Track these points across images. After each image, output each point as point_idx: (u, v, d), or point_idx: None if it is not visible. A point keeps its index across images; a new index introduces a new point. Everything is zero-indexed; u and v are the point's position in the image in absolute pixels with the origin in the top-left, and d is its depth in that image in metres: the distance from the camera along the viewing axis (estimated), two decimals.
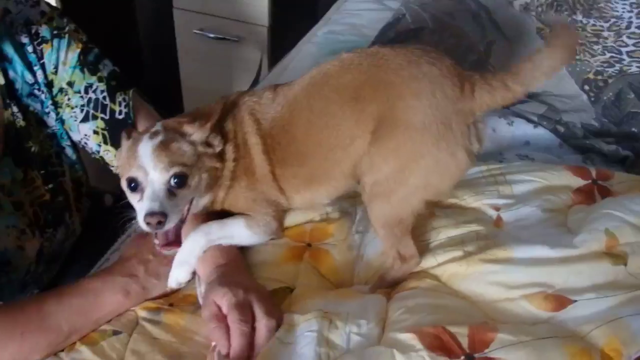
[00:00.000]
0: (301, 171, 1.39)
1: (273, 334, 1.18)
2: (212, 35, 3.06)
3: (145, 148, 1.26)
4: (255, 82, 2.69)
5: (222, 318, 1.22)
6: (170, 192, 1.25)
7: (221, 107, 1.36)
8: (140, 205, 1.25)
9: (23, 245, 1.48)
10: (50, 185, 1.57)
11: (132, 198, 1.29)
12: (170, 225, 1.26)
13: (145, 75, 3.51)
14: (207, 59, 3.17)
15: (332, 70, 1.34)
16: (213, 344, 1.20)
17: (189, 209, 1.32)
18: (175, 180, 1.25)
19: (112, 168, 1.58)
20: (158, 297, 1.38)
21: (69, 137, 1.60)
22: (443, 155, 1.23)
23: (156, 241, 1.32)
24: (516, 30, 2.13)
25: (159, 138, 1.28)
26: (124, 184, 1.30)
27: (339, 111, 1.31)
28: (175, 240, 1.33)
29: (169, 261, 1.38)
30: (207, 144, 1.32)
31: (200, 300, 1.33)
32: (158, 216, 1.22)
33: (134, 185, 1.27)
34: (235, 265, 1.37)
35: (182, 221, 1.31)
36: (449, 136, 1.22)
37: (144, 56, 3.56)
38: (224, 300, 1.22)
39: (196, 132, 1.30)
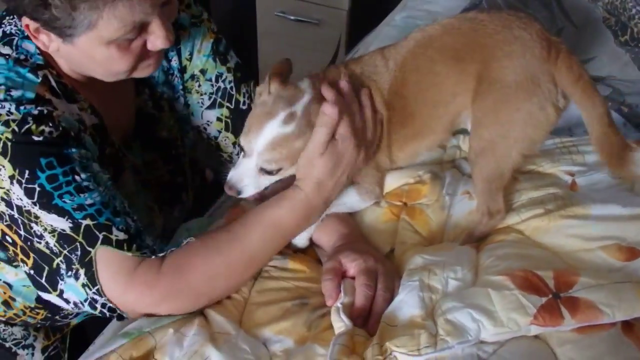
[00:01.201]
0: (409, 130, 1.47)
1: (388, 303, 1.28)
2: (292, 18, 3.08)
3: (270, 132, 1.30)
4: (332, 63, 2.73)
5: (338, 274, 1.32)
6: (260, 171, 1.34)
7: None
8: (234, 165, 1.36)
9: (153, 222, 1.52)
10: (171, 167, 1.62)
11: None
12: (245, 196, 1.37)
13: None
14: (286, 40, 3.17)
15: (434, 33, 1.43)
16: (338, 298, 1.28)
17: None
18: (268, 170, 1.34)
19: (223, 154, 1.66)
20: None
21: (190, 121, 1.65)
22: (535, 108, 1.34)
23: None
24: (584, 18, 2.20)
25: (287, 129, 1.30)
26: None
27: (443, 70, 1.41)
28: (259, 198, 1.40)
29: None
30: None
31: (323, 261, 1.43)
32: (234, 191, 1.35)
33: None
34: (357, 235, 1.47)
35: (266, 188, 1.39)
36: (539, 92, 1.34)
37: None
38: (354, 264, 1.32)
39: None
